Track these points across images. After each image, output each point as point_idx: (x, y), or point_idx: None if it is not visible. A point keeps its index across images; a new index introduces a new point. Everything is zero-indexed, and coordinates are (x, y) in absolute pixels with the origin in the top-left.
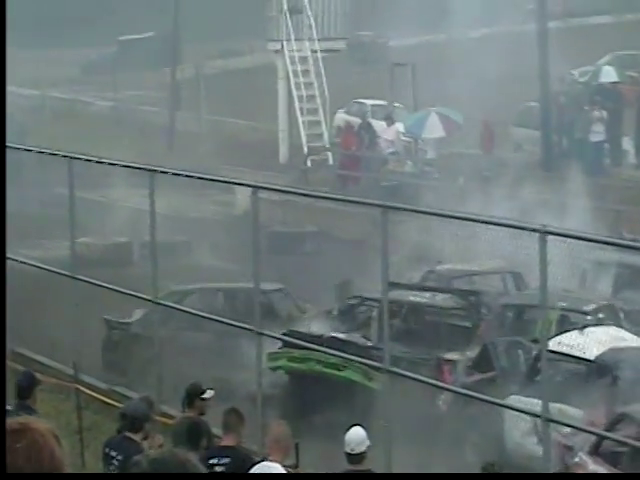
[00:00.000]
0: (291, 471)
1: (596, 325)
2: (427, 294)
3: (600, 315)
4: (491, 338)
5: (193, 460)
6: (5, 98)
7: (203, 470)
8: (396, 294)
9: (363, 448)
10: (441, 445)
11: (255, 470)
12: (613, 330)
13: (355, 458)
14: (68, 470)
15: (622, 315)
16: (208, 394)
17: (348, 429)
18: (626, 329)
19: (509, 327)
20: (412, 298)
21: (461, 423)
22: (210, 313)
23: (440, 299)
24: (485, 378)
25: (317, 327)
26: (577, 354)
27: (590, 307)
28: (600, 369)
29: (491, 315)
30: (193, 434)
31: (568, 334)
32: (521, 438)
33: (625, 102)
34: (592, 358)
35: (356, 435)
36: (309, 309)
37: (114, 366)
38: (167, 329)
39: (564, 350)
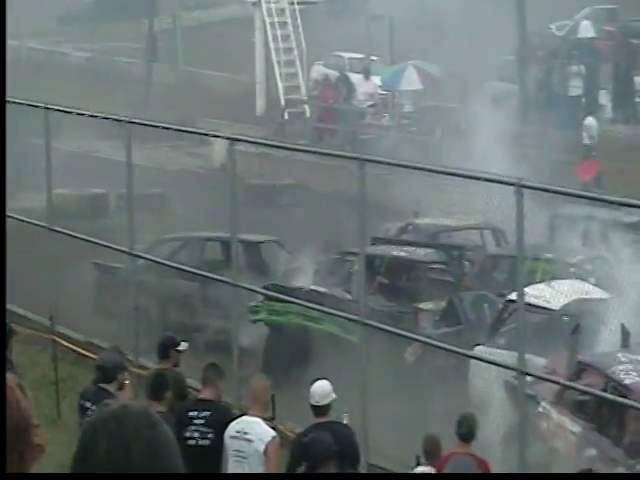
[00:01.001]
0: (269, 424)
1: (564, 279)
2: (410, 249)
3: (588, 267)
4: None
5: (154, 414)
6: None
7: (165, 425)
8: (379, 249)
9: (328, 401)
10: (413, 397)
11: (236, 424)
12: (579, 283)
13: (319, 410)
14: (41, 422)
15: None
16: (182, 346)
17: (314, 382)
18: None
19: (492, 279)
20: (395, 252)
21: (430, 374)
22: (198, 262)
23: (423, 254)
24: (452, 331)
25: (300, 280)
26: (542, 305)
27: (575, 259)
28: (563, 319)
29: (474, 269)
30: (156, 386)
31: (535, 286)
32: (485, 387)
33: (602, 57)
34: (556, 309)
35: (321, 388)
36: (298, 261)
37: (103, 310)
38: (153, 277)
39: (530, 301)
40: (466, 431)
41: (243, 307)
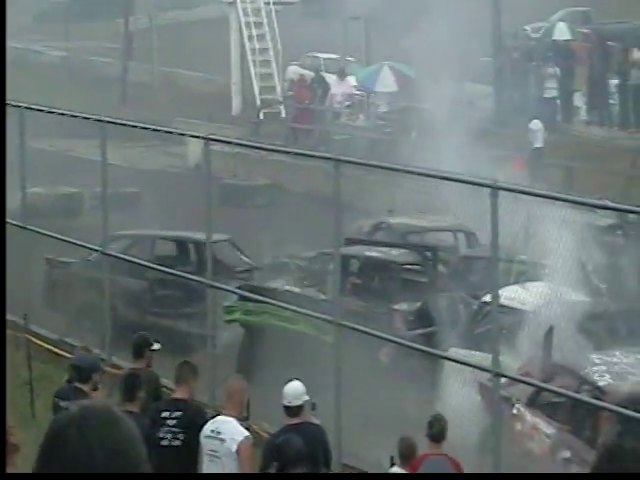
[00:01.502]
0: (244, 424)
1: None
2: (384, 249)
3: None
4: (448, 291)
5: (117, 412)
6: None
7: (129, 422)
8: (353, 249)
9: (300, 402)
10: (388, 397)
11: (210, 423)
12: (553, 285)
13: (292, 411)
14: (15, 421)
15: (590, 269)
16: (156, 346)
17: (287, 382)
18: (591, 284)
19: (466, 281)
20: (369, 253)
21: (405, 376)
22: (152, 260)
23: (397, 254)
24: (426, 332)
25: (273, 281)
26: (516, 306)
27: (549, 261)
28: (537, 321)
29: (448, 270)
30: (129, 386)
31: (509, 287)
32: (459, 389)
33: (577, 59)
34: (530, 310)
35: (294, 389)
36: (260, 262)
37: (53, 306)
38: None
39: (504, 303)
40: (437, 432)
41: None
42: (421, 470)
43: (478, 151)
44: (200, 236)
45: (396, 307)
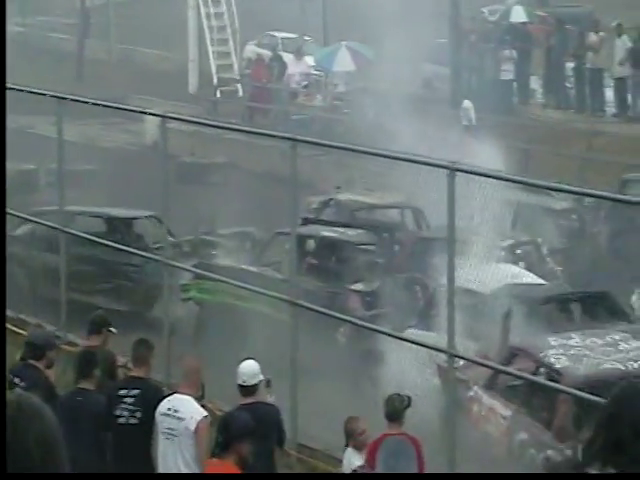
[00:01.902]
0: (199, 403)
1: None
2: (340, 229)
3: (517, 251)
4: (404, 272)
5: (41, 406)
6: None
7: (49, 413)
8: (310, 229)
9: (255, 381)
10: (344, 378)
11: (167, 401)
12: (512, 267)
13: (246, 390)
14: None
15: (545, 251)
16: (114, 329)
17: (241, 361)
18: (547, 267)
19: (422, 261)
20: (325, 233)
21: (361, 356)
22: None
23: (353, 234)
24: (382, 312)
25: (230, 260)
26: (474, 288)
27: (506, 243)
28: (495, 304)
29: (404, 250)
30: (84, 364)
31: (467, 269)
32: (417, 371)
33: (534, 41)
34: (487, 293)
35: (249, 368)
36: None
37: None
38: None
39: (461, 284)
40: (391, 410)
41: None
42: (380, 450)
43: (434, 132)
44: (125, 213)
45: (352, 287)
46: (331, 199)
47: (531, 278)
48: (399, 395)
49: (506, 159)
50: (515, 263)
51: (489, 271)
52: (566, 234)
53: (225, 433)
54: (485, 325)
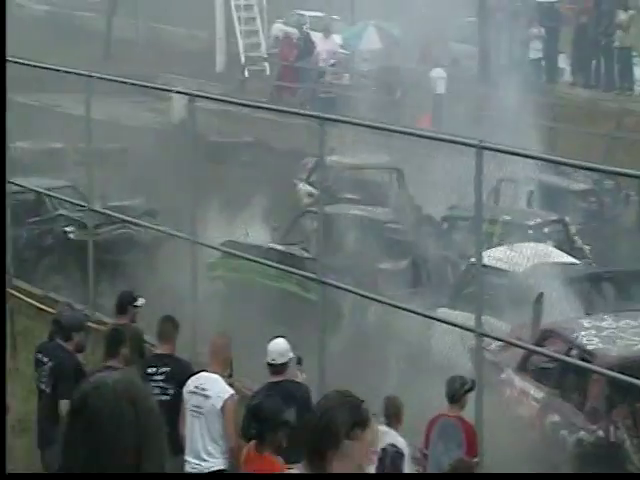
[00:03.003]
0: (227, 381)
1: (529, 242)
2: (368, 207)
3: (545, 230)
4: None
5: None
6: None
7: (147, 392)
8: (338, 207)
9: (284, 359)
10: (372, 356)
11: (195, 379)
12: (542, 246)
13: (276, 368)
14: None
15: (573, 230)
16: (140, 302)
17: (271, 340)
18: (575, 246)
19: (448, 240)
20: (353, 212)
21: (390, 335)
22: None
23: (381, 212)
24: (414, 291)
25: (258, 238)
26: (505, 268)
27: (533, 221)
28: (526, 284)
29: (432, 230)
30: (112, 342)
31: (498, 248)
32: (448, 350)
33: (563, 20)
34: (519, 272)
35: (278, 346)
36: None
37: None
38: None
39: (493, 264)
40: (451, 392)
41: None
42: (433, 430)
43: (462, 111)
44: (50, 183)
45: (381, 266)
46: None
47: (564, 257)
48: (462, 377)
49: (533, 137)
50: (543, 242)
51: (520, 250)
52: (584, 216)
53: (259, 424)
54: (517, 305)
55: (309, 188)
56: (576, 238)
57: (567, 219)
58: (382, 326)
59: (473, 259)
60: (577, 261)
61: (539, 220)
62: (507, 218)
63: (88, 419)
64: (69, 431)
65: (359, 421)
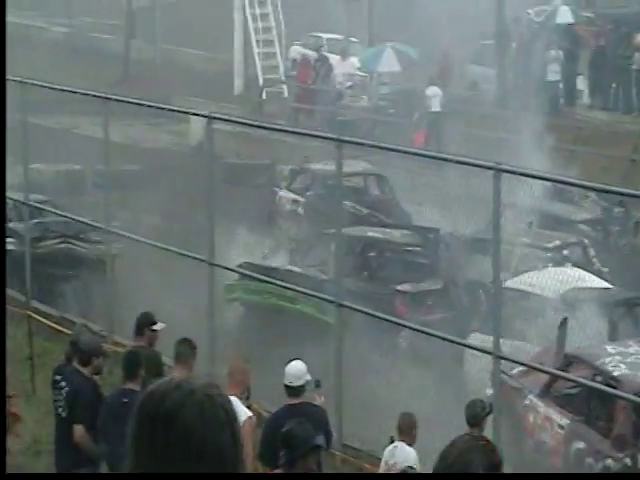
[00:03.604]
0: (244, 403)
1: (556, 265)
2: (386, 230)
3: (565, 252)
4: (451, 275)
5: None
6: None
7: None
8: (356, 230)
9: (301, 382)
10: (396, 380)
11: None
12: (571, 270)
13: (293, 391)
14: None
15: (592, 252)
16: (159, 326)
17: (288, 362)
18: (594, 268)
19: (467, 262)
20: (371, 234)
21: (418, 359)
22: None
23: (399, 235)
24: (446, 316)
25: (275, 260)
26: (537, 292)
27: (552, 244)
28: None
29: (449, 252)
30: (129, 364)
31: (528, 274)
32: (478, 375)
33: (581, 42)
34: (551, 296)
35: (295, 369)
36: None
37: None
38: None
39: (524, 289)
40: (472, 415)
41: None
42: None
43: (480, 133)
44: (33, 198)
45: (399, 288)
46: (302, 168)
47: (595, 281)
48: (482, 401)
49: (551, 160)
50: (563, 264)
51: (550, 275)
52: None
53: (289, 451)
54: (544, 328)
55: (292, 195)
56: (595, 260)
57: (586, 241)
58: (409, 350)
59: (506, 284)
60: (610, 285)
61: (558, 242)
62: (526, 241)
63: (184, 428)
64: (162, 445)
65: (494, 465)
